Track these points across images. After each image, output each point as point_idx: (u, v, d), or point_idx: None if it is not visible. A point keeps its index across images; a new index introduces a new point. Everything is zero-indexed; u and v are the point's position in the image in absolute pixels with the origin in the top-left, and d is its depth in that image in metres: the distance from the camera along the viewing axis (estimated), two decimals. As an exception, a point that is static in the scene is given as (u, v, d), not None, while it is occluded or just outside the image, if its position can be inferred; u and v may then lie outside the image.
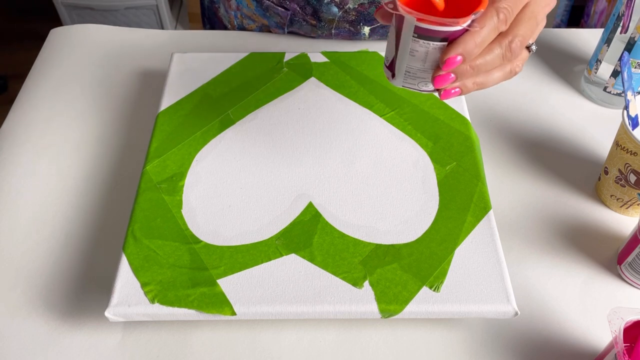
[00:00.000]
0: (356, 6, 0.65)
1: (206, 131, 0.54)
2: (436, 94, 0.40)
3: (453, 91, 0.39)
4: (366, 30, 0.69)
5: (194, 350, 0.45)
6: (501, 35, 0.37)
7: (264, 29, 0.73)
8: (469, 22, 0.35)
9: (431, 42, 0.37)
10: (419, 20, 0.36)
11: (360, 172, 0.51)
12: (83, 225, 0.52)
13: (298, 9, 0.67)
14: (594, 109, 0.63)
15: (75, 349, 0.45)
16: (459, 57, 0.36)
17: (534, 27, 0.38)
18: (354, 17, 0.67)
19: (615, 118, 0.62)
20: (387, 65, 0.41)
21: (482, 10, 0.35)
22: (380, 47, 0.69)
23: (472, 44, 0.35)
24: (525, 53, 0.40)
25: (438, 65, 0.37)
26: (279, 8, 0.68)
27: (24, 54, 1.90)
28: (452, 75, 0.38)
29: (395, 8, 0.37)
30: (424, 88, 0.40)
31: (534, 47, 0.40)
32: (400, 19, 0.37)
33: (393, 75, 0.41)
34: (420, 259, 0.45)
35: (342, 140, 0.54)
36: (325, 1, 0.65)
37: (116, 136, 0.60)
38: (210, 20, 0.80)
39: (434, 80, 0.38)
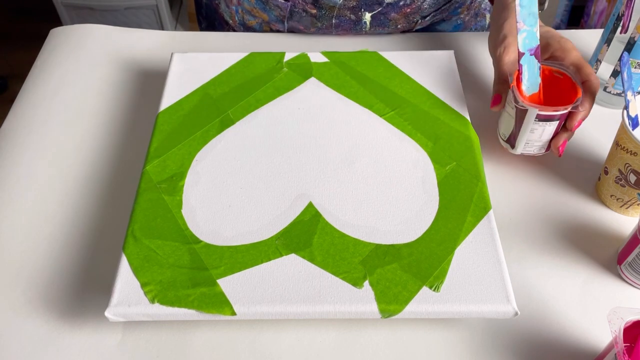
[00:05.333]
0: None
1: (206, 131, 0.54)
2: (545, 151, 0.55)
3: (565, 144, 0.54)
4: (367, 17, 0.69)
5: (194, 350, 0.45)
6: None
7: (264, 24, 0.73)
8: (577, 104, 0.50)
9: (548, 122, 0.51)
10: (540, 109, 0.50)
11: (360, 172, 0.51)
12: (83, 225, 0.52)
13: None
14: (594, 109, 0.63)
15: (75, 349, 0.45)
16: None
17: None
18: (354, 3, 0.67)
19: (615, 118, 0.62)
20: (506, 139, 0.55)
21: (580, 97, 0.51)
22: (380, 45, 0.69)
23: (581, 120, 0.52)
24: None
25: (552, 136, 0.53)
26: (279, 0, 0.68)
27: (24, 54, 1.90)
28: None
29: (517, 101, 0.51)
30: (538, 152, 0.55)
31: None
32: (523, 110, 0.51)
33: (513, 146, 0.54)
34: (420, 259, 0.45)
35: (342, 140, 0.54)
36: None
37: (116, 136, 0.60)
38: (209, 18, 0.79)
39: (559, 148, 0.53)
